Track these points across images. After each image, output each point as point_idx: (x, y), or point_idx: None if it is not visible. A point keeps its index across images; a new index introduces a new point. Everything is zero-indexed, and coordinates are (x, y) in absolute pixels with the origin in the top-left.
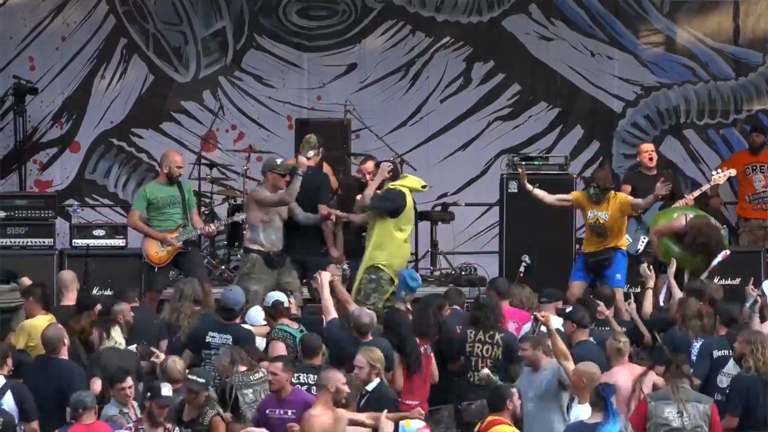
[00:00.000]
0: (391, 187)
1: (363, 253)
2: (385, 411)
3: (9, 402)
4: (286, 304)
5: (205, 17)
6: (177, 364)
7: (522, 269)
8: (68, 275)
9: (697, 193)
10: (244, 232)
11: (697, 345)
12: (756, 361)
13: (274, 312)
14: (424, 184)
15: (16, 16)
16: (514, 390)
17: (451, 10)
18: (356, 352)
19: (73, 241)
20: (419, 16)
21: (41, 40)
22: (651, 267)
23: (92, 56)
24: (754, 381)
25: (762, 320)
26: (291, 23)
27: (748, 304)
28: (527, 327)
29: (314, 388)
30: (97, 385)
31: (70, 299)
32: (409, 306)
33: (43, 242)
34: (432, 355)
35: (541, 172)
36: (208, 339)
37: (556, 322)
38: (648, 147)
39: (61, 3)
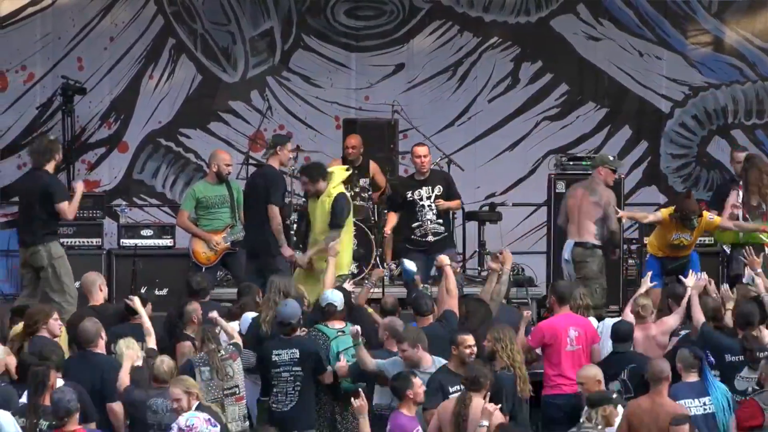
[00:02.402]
0: (335, 192)
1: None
2: None
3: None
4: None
5: (253, 17)
6: (164, 364)
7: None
8: (92, 276)
9: None
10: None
11: None
12: (508, 358)
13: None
14: (347, 167)
15: (65, 16)
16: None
17: (498, 10)
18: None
19: (121, 241)
20: (467, 16)
21: (89, 40)
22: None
23: (140, 56)
24: (510, 380)
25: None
26: (339, 23)
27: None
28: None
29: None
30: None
31: (97, 299)
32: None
33: (92, 242)
34: None
35: (589, 172)
36: (274, 358)
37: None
38: None
39: (110, 3)
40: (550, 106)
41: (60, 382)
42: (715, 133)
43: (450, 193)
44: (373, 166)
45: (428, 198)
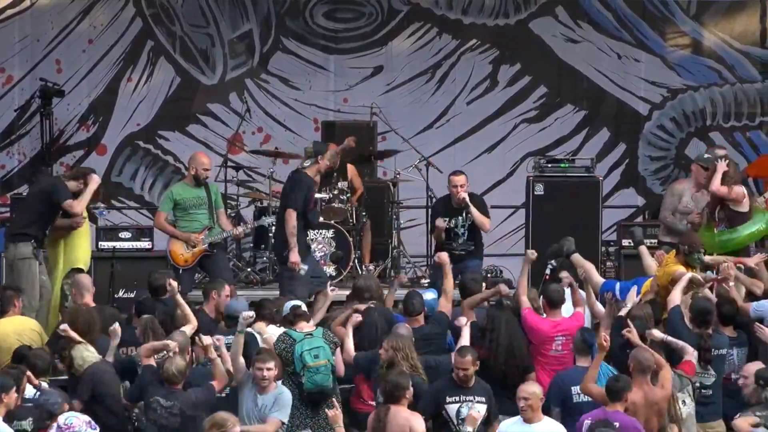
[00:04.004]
0: None
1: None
2: None
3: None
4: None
5: (232, 20)
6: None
7: (548, 272)
8: (87, 279)
9: None
10: None
11: None
12: (408, 366)
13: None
14: None
15: (43, 18)
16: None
17: (477, 13)
18: None
19: (100, 243)
20: (446, 18)
21: (68, 42)
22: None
23: (119, 59)
24: (418, 381)
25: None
26: (317, 25)
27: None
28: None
29: None
30: None
31: (90, 301)
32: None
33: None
34: None
35: (568, 174)
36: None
37: None
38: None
39: (88, 5)
40: (529, 109)
41: (44, 386)
42: (694, 135)
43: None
44: (351, 169)
45: (463, 226)
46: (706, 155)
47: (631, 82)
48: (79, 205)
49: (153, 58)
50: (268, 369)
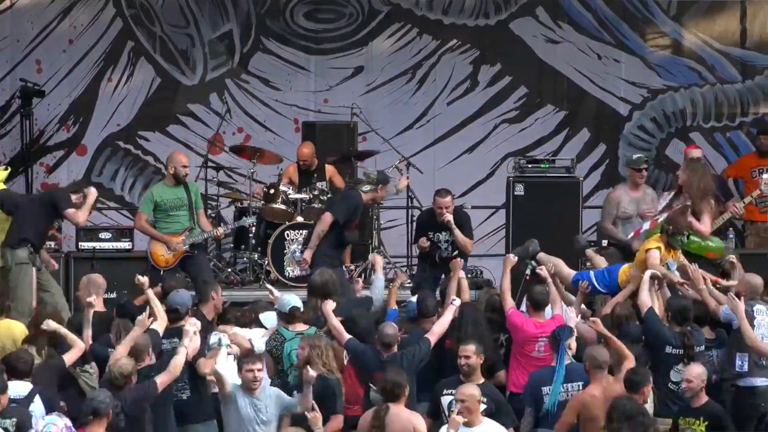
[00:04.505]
0: None
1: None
2: None
3: (39, 408)
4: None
5: (212, 20)
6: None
7: (528, 272)
8: (100, 279)
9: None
10: None
11: None
12: (324, 365)
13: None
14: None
15: (23, 18)
16: None
17: (458, 13)
18: None
19: (80, 244)
20: (426, 18)
21: (48, 42)
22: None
23: (99, 59)
24: (331, 382)
25: None
26: (298, 26)
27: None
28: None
29: None
30: None
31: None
32: None
33: (50, 245)
34: None
35: (548, 174)
36: (165, 347)
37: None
38: None
39: (68, 6)
40: (509, 109)
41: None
42: (674, 135)
43: (464, 233)
44: (330, 169)
45: (446, 241)
46: (635, 156)
47: (611, 83)
48: (83, 216)
49: (133, 59)
50: (258, 369)
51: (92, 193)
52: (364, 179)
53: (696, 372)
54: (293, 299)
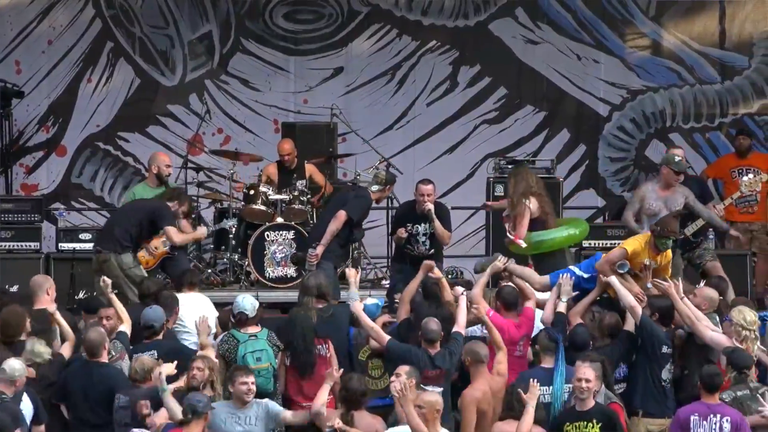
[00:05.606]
0: None
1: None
2: None
3: (27, 405)
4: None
5: (192, 21)
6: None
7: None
8: (41, 278)
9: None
10: None
11: None
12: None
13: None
14: None
15: (2, 19)
16: None
17: (437, 14)
18: None
19: (60, 244)
20: (406, 19)
21: (27, 43)
22: None
23: (78, 60)
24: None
25: None
26: (277, 27)
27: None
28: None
29: None
30: None
31: (42, 302)
32: None
33: (30, 246)
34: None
35: None
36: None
37: None
38: None
39: (48, 6)
40: (489, 110)
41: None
42: (654, 136)
43: (443, 226)
44: (310, 168)
45: (425, 234)
46: (677, 159)
47: (590, 83)
48: (178, 238)
49: (112, 59)
50: (252, 383)
51: (202, 231)
52: (372, 179)
53: (595, 374)
54: (247, 301)
